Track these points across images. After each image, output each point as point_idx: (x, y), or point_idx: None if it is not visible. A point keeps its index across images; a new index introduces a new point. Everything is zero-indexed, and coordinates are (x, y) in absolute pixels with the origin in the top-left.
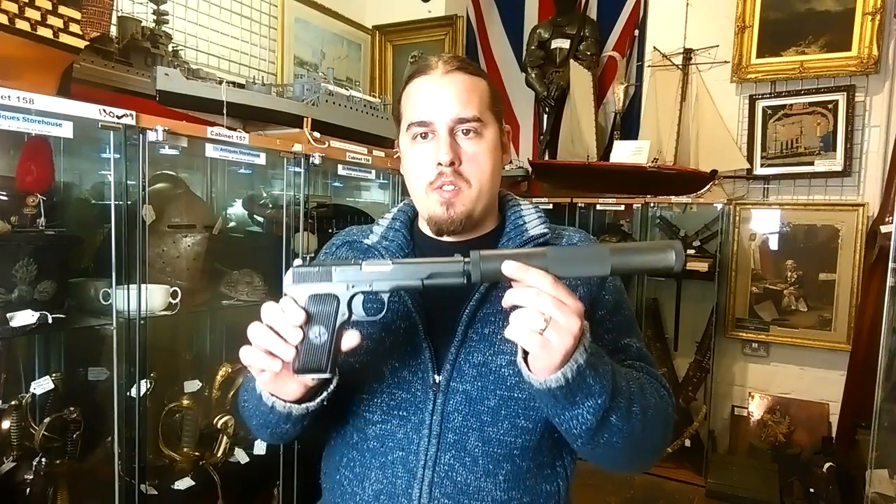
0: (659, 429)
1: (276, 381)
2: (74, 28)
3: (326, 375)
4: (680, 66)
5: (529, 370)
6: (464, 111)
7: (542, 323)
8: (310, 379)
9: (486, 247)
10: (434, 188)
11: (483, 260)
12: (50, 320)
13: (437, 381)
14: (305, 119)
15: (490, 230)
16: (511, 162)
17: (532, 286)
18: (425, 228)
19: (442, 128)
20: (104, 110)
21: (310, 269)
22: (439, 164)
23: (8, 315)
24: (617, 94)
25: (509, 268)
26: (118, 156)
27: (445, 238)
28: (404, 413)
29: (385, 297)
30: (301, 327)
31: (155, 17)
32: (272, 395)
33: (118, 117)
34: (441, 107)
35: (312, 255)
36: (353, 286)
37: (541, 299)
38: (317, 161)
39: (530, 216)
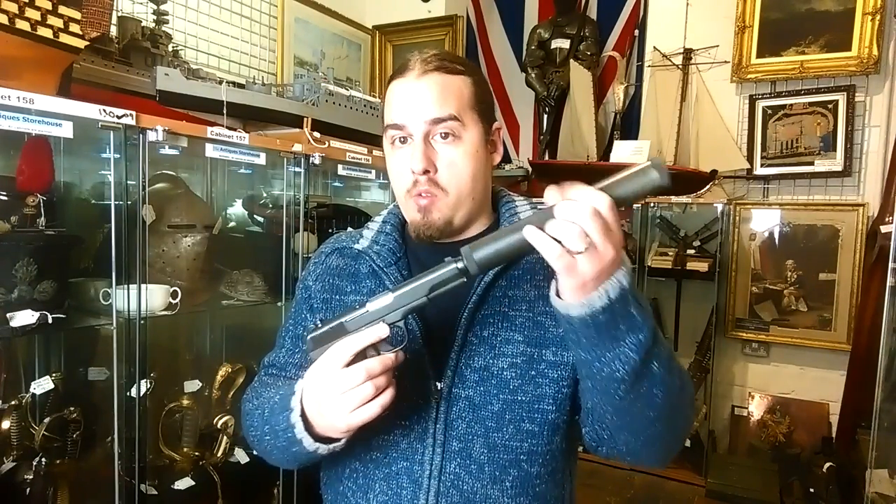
0: (690, 397)
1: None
2: (74, 28)
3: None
4: (680, 66)
5: (562, 300)
6: (439, 110)
7: (581, 245)
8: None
9: None
10: (412, 196)
11: (474, 250)
12: (50, 320)
13: (439, 388)
14: (305, 119)
15: (483, 230)
16: (511, 161)
17: (587, 204)
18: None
19: (416, 132)
20: (104, 110)
21: (324, 331)
22: (413, 171)
23: (8, 315)
24: (617, 94)
25: (554, 196)
26: (118, 156)
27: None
28: (407, 423)
29: (401, 324)
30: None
31: (155, 17)
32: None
33: (118, 117)
34: (415, 109)
35: (321, 318)
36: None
37: (593, 221)
38: (317, 161)
39: (524, 211)
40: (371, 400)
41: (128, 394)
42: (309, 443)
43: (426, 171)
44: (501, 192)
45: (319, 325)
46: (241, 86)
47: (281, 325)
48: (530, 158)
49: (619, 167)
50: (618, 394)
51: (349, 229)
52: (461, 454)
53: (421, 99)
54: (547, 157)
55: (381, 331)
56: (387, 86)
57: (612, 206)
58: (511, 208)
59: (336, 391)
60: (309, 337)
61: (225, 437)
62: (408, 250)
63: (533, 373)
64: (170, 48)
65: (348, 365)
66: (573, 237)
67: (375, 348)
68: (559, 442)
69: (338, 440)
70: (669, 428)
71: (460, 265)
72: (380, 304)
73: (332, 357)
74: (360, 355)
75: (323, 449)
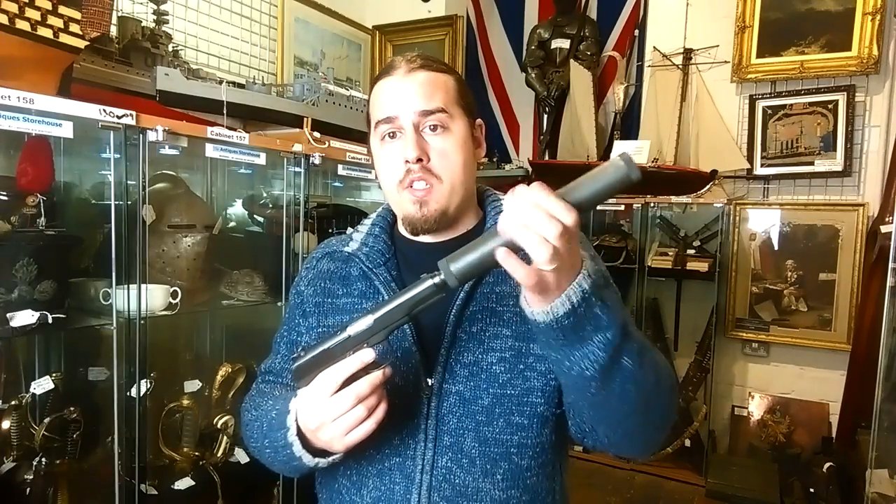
0: (667, 390)
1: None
2: (74, 28)
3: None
4: (680, 66)
5: (530, 306)
6: (427, 103)
7: (552, 264)
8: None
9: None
10: (405, 187)
11: (451, 262)
12: (50, 320)
13: (430, 384)
14: (305, 119)
15: (471, 227)
16: (511, 161)
17: (528, 201)
18: (405, 231)
19: (407, 123)
20: (104, 110)
21: (307, 360)
22: (406, 161)
23: (8, 315)
24: (617, 94)
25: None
26: (118, 156)
27: (426, 239)
28: (398, 419)
29: (385, 341)
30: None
31: (155, 17)
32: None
33: (118, 117)
34: (405, 102)
35: (304, 344)
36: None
37: (561, 238)
38: (317, 161)
39: None
40: (364, 420)
41: (128, 394)
42: (308, 459)
43: (419, 160)
44: (487, 190)
45: (302, 354)
46: (241, 86)
47: (277, 331)
48: (530, 158)
49: None
50: (590, 391)
51: (348, 230)
52: (452, 448)
53: (410, 93)
54: (547, 157)
55: (365, 356)
56: (371, 88)
57: (576, 220)
58: (497, 207)
59: (328, 418)
60: (293, 367)
61: (225, 437)
62: (397, 251)
63: (521, 366)
64: (170, 48)
65: (337, 391)
66: (543, 256)
67: (363, 369)
68: (548, 434)
69: (337, 452)
70: (647, 420)
71: (438, 280)
72: (360, 326)
73: (320, 387)
74: (348, 378)
75: (323, 462)
